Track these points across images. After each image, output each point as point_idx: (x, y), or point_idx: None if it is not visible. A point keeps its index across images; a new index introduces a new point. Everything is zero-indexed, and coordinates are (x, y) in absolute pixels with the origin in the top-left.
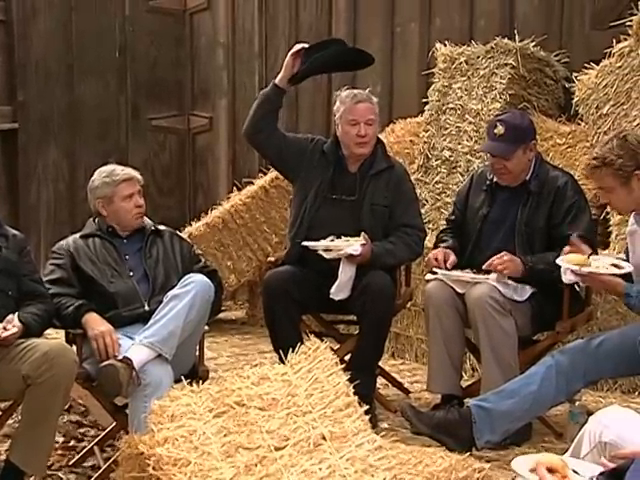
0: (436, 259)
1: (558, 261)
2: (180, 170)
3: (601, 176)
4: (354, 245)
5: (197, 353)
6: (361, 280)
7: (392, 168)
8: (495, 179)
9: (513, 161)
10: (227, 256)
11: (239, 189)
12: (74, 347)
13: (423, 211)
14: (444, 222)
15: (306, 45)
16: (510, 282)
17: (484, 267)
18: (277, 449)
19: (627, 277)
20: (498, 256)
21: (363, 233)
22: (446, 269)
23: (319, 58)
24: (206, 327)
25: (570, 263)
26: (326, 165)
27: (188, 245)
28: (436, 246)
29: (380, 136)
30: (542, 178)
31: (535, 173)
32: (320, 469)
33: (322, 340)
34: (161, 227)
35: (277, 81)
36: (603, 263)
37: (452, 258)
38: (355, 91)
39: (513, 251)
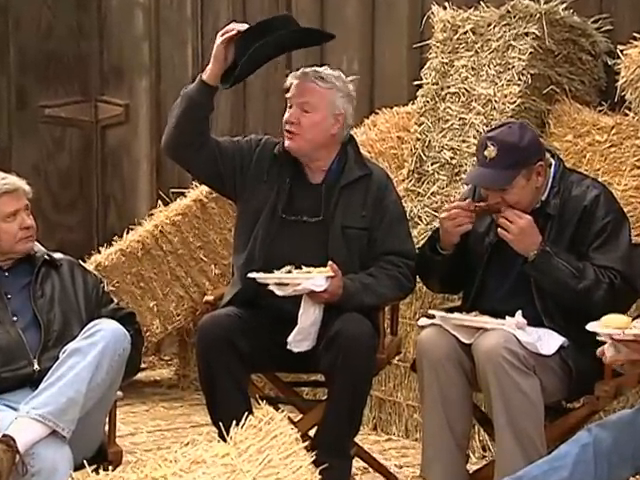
0: (459, 208)
1: (591, 327)
2: (84, 177)
3: None
4: (317, 278)
5: (106, 428)
6: (330, 326)
7: (369, 176)
8: None
9: (513, 192)
10: (149, 294)
11: (166, 203)
12: None
13: (415, 232)
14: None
15: (242, 27)
16: (533, 329)
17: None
18: None
19: None
20: (511, 213)
21: (330, 262)
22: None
23: (260, 49)
24: (119, 392)
25: (608, 325)
26: (280, 175)
27: (95, 280)
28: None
29: (355, 132)
30: (564, 195)
31: (555, 189)
32: None
33: (278, 409)
34: (57, 255)
35: (205, 77)
36: None
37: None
38: (310, 68)
39: (531, 292)
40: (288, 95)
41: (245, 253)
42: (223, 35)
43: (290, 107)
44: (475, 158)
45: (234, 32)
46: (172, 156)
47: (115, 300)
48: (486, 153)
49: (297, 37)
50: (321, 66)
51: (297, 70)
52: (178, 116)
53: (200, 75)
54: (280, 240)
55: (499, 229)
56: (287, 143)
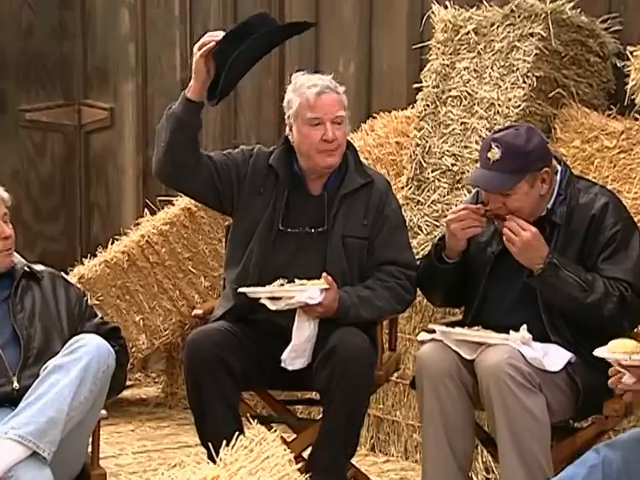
0: (468, 209)
1: (599, 352)
2: (67, 184)
3: None
4: (311, 291)
5: (89, 449)
6: (326, 342)
7: (371, 184)
8: None
9: (515, 198)
10: (135, 308)
11: (152, 212)
12: None
13: (415, 243)
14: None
15: (217, 36)
16: (539, 344)
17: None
18: None
19: None
20: (515, 225)
21: (325, 274)
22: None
23: (240, 57)
24: (103, 412)
25: (614, 351)
26: (276, 187)
27: (78, 293)
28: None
29: (352, 138)
30: (571, 203)
31: (561, 197)
32: None
33: (270, 428)
34: (38, 267)
35: (189, 94)
36: None
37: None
38: (314, 77)
39: (536, 305)
40: (314, 114)
41: (239, 267)
42: (200, 49)
43: (318, 124)
44: (478, 160)
45: (211, 44)
46: (166, 180)
47: (99, 314)
48: (489, 155)
49: (276, 35)
50: (316, 70)
51: (292, 78)
52: (167, 139)
53: (183, 92)
54: (276, 253)
55: (505, 239)
56: (328, 161)
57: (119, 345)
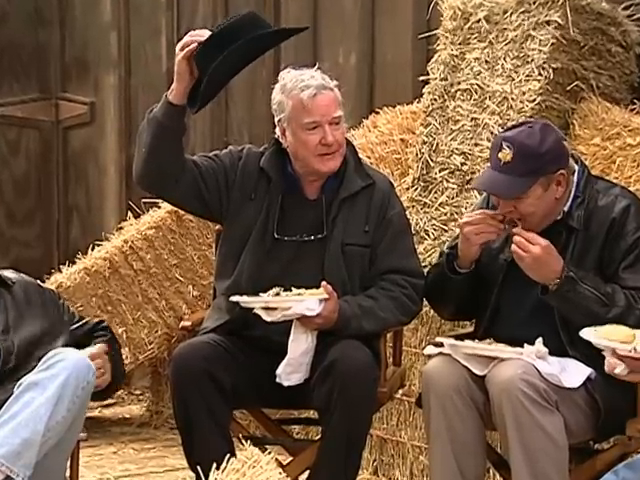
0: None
1: (586, 334)
2: (44, 185)
3: None
4: (309, 301)
5: (68, 473)
6: (325, 356)
7: (372, 186)
8: None
9: (528, 202)
10: (117, 320)
11: (136, 215)
12: None
13: (421, 249)
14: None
15: (201, 37)
16: (556, 359)
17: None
18: None
19: None
20: (522, 240)
21: (324, 283)
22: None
23: (223, 65)
24: (82, 435)
25: (611, 339)
26: (269, 191)
27: (52, 297)
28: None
29: (353, 135)
30: (589, 206)
31: (579, 199)
32: None
33: (264, 450)
34: (10, 274)
35: (171, 97)
36: None
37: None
38: (305, 74)
39: (552, 317)
40: (311, 118)
41: (230, 280)
42: (182, 49)
43: (316, 128)
44: (489, 160)
45: (193, 45)
46: (148, 188)
47: (77, 315)
48: (500, 155)
49: (265, 41)
50: (314, 63)
51: (279, 77)
52: (148, 144)
53: (165, 95)
54: (271, 263)
55: (514, 255)
56: (330, 165)
57: (110, 333)
